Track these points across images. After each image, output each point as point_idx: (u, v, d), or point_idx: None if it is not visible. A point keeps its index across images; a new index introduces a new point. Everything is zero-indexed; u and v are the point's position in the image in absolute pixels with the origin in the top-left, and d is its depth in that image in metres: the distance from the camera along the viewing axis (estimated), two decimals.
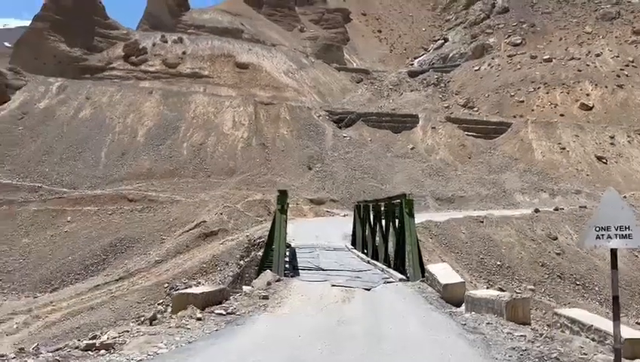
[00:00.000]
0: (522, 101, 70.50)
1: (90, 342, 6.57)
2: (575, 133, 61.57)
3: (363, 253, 23.19)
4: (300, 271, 16.25)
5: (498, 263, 34.70)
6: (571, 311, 8.80)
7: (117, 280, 33.93)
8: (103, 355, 6.25)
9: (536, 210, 42.00)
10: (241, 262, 30.10)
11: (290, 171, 55.01)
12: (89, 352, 6.30)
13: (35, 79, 61.48)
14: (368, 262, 19.62)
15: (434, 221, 38.43)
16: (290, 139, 59.60)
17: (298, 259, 19.61)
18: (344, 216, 42.24)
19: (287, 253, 20.59)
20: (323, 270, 16.87)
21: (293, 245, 25.70)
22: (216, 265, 32.76)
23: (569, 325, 8.18)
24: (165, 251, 37.98)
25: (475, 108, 71.06)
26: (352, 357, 6.34)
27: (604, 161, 57.57)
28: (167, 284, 30.46)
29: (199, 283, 27.82)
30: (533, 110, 68.44)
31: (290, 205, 44.27)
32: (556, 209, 42.84)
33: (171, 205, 45.77)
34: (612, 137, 60.39)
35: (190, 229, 40.79)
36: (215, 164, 53.99)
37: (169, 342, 6.93)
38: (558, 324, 8.50)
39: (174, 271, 33.03)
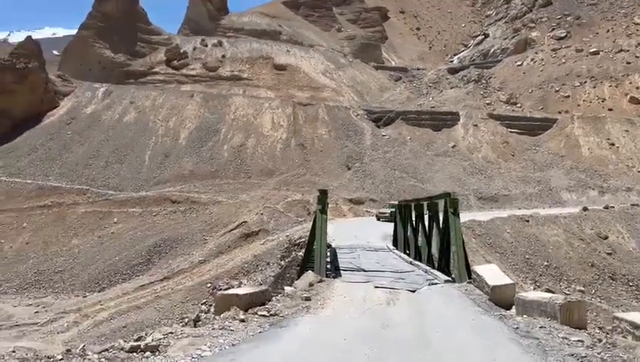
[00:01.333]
0: (568, 96, 68.14)
1: (135, 344, 6.57)
2: (625, 128, 59.11)
3: (405, 253, 22.80)
4: (341, 271, 16.06)
5: (545, 263, 33.59)
6: (634, 316, 8.28)
7: (161, 280, 34.58)
8: (147, 357, 6.22)
9: (585, 209, 40.48)
10: (282, 263, 30.15)
11: (328, 171, 54.91)
12: (134, 354, 6.30)
13: (82, 85, 63.59)
14: (411, 263, 19.23)
15: (477, 220, 37.59)
16: (328, 139, 59.52)
17: (339, 260, 19.41)
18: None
19: (328, 254, 20.45)
20: (365, 271, 16.62)
21: (333, 245, 25.57)
22: (257, 265, 32.94)
23: (631, 330, 7.68)
24: (207, 251, 38.50)
25: (519, 105, 69.16)
26: None
27: None
28: (209, 284, 30.81)
29: (241, 283, 28.02)
30: (579, 105, 66.04)
31: (329, 205, 44.17)
32: (606, 207, 41.18)
33: (213, 206, 46.40)
34: None
35: (232, 230, 41.23)
36: (255, 165, 54.45)
37: (212, 345, 6.86)
38: (619, 329, 8.01)
39: (217, 271, 33.39)
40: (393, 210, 40.01)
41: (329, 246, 23.82)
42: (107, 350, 6.52)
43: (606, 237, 36.35)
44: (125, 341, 7.14)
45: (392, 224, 29.41)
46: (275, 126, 59.57)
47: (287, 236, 35.96)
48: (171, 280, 33.76)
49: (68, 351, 6.17)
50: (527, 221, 37.63)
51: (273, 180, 52.70)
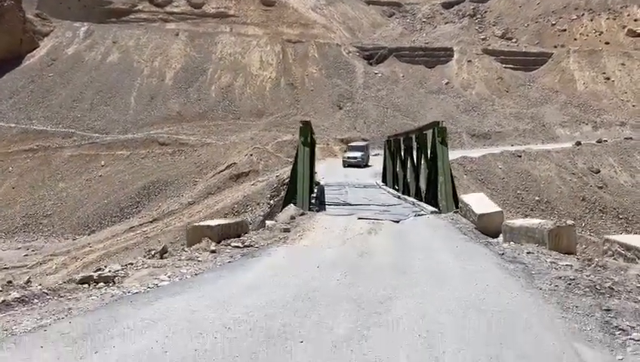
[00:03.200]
0: (564, 30, 66.22)
1: (87, 275, 6.04)
2: (621, 62, 57.81)
3: (394, 189, 22.39)
4: (326, 206, 15.61)
5: (536, 198, 33.44)
6: (626, 238, 7.84)
7: (151, 221, 34.30)
8: (99, 288, 5.71)
9: (578, 143, 40.05)
10: (272, 202, 29.76)
11: (320, 111, 53.78)
12: (84, 285, 5.77)
13: (62, 25, 60.99)
14: (399, 198, 18.84)
15: (469, 157, 37.15)
16: (319, 78, 58.02)
17: (326, 196, 18.98)
18: (375, 155, 41.25)
19: (316, 190, 19.99)
20: (350, 205, 16.19)
21: (322, 183, 25.10)
22: (247, 206, 32.62)
23: (623, 252, 7.25)
24: (197, 193, 38.09)
25: (514, 40, 67.24)
26: (373, 288, 5.62)
27: None
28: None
29: None
30: (575, 39, 64.26)
31: (320, 145, 43.27)
32: (599, 141, 40.75)
33: (202, 148, 45.61)
34: None
35: (221, 171, 40.67)
36: (244, 106, 53.23)
37: (173, 274, 6.38)
38: (610, 252, 7.58)
39: (206, 212, 33.04)
40: (363, 153, 39.24)
41: (317, 183, 23.34)
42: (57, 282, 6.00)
43: (598, 171, 36.09)
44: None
45: (382, 161, 28.88)
46: (263, 65, 57.88)
47: (277, 176, 35.45)
48: (161, 222, 33.48)
49: (9, 282, 5.64)
50: (520, 156, 37.24)
51: (263, 121, 51.68)
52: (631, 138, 41.40)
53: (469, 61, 60.46)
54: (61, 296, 5.25)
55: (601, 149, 39.10)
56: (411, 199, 16.95)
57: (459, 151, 41.22)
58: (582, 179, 35.53)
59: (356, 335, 4.10)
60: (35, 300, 5.04)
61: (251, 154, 41.92)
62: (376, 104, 54.84)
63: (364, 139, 48.31)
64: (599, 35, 63.97)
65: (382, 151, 32.21)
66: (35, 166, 43.28)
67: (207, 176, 41.34)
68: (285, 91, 55.48)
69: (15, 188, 41.08)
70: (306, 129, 13.79)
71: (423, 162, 16.55)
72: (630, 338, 4.43)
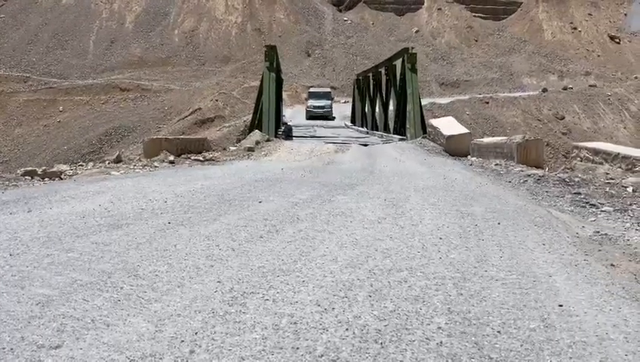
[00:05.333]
0: None
1: (31, 169, 5.57)
2: (589, 12, 58.00)
3: (362, 127, 22.14)
4: (294, 138, 15.26)
5: None
6: (593, 144, 7.77)
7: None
8: (43, 180, 5.27)
9: (544, 90, 40.34)
10: (238, 144, 29.18)
11: (287, 58, 52.44)
12: (26, 177, 5.32)
13: None
14: (367, 133, 18.61)
15: (437, 103, 37.06)
16: (287, 23, 56.40)
17: (294, 133, 18.63)
18: (344, 102, 40.70)
19: (283, 128, 19.58)
20: (318, 137, 15.88)
21: (290, 124, 24.66)
22: (213, 150, 31.92)
23: (591, 157, 7.18)
24: None
25: None
26: (339, 179, 5.35)
27: (617, 40, 54.68)
28: None
29: None
30: None
31: (288, 92, 42.29)
32: (565, 88, 41.14)
33: (165, 94, 44.14)
34: (627, 15, 56.89)
35: (185, 117, 39.52)
36: (209, 52, 51.51)
37: (126, 172, 5.96)
38: (579, 158, 7.50)
39: None
40: (330, 101, 33.61)
41: (285, 123, 22.88)
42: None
43: (563, 118, 36.56)
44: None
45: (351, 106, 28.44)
46: (229, 9, 55.79)
47: (244, 121, 34.67)
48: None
49: None
50: (487, 103, 37.34)
51: (229, 67, 50.22)
52: (595, 86, 41.92)
53: (439, 9, 59.68)
54: None
55: (567, 97, 39.51)
56: (380, 132, 16.74)
57: (427, 99, 41.07)
58: (547, 125, 35.96)
59: (319, 201, 3.83)
60: None
61: (217, 100, 40.82)
62: (346, 51, 53.87)
63: (332, 87, 47.54)
64: None
65: (351, 99, 31.67)
66: None
67: (171, 123, 40.14)
68: (252, 37, 53.85)
69: None
70: (272, 53, 13.24)
71: (392, 94, 16.24)
72: (601, 211, 4.31)
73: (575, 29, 56.35)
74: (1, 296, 2.24)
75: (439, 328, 2.03)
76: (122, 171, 6.00)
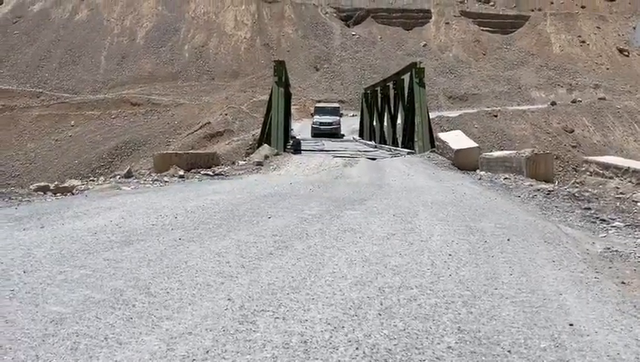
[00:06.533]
0: None
1: (43, 184, 5.65)
2: (597, 25, 58.00)
3: (370, 141, 22.19)
4: (302, 151, 15.33)
5: None
6: (604, 158, 7.75)
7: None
8: (55, 195, 5.34)
9: (553, 103, 40.28)
10: (247, 158, 29.28)
11: (296, 72, 52.81)
12: (39, 192, 5.39)
13: None
14: (375, 147, 18.64)
15: (445, 116, 37.11)
16: (295, 38, 56.87)
17: (302, 146, 18.72)
18: (352, 115, 40.83)
19: (291, 141, 19.69)
20: (327, 151, 15.93)
21: (297, 138, 24.78)
22: (222, 164, 32.06)
23: (601, 171, 7.16)
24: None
25: (491, 2, 66.73)
26: (348, 194, 5.37)
27: (626, 53, 54.55)
28: None
29: None
30: (552, 2, 64.07)
31: (296, 106, 42.50)
32: (574, 101, 41.05)
33: (175, 108, 44.54)
34: (635, 28, 56.80)
35: (195, 131, 39.84)
36: (218, 67, 52.00)
37: (137, 187, 6.02)
38: (589, 172, 7.48)
39: None
40: (338, 118, 31.12)
41: (293, 137, 23.00)
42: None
43: (572, 131, 36.42)
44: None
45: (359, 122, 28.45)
46: (238, 25, 56.39)
47: (253, 135, 34.87)
48: None
49: None
50: (496, 116, 37.32)
51: (238, 82, 50.63)
52: (604, 98, 41.78)
53: (447, 23, 59.94)
54: (12, 198, 4.87)
55: (576, 110, 39.41)
56: (388, 146, 16.77)
57: (436, 112, 41.14)
58: (556, 138, 35.83)
59: (327, 216, 3.86)
60: None
61: (226, 114, 41.14)
62: (354, 66, 54.15)
63: (341, 101, 47.74)
64: None
65: (359, 113, 31.56)
66: (1, 125, 41.77)
67: (180, 136, 40.47)
68: (261, 52, 54.30)
69: None
70: (280, 68, 13.36)
71: (400, 108, 16.29)
72: (612, 226, 4.30)
73: (583, 42, 56.32)
74: (17, 314, 2.28)
75: (449, 347, 2.03)
76: (133, 186, 6.06)
